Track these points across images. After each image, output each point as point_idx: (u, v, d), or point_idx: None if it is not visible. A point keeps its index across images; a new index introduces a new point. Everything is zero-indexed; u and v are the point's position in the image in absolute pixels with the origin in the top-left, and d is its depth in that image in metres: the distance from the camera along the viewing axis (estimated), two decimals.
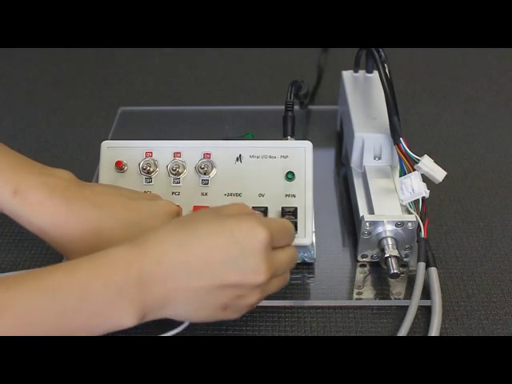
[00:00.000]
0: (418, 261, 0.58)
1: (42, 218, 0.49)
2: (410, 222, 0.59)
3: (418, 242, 0.61)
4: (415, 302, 0.56)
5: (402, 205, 0.61)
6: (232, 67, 0.99)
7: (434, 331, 0.54)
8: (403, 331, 0.54)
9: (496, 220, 0.69)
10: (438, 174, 0.61)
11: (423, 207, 0.60)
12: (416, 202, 0.60)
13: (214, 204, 0.57)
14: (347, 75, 0.78)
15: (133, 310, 0.43)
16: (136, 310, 0.43)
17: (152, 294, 0.43)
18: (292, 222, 0.55)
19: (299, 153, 0.58)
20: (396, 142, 0.62)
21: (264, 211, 0.56)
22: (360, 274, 0.63)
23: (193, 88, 0.94)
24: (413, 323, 0.57)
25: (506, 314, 0.59)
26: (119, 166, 0.58)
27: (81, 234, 0.49)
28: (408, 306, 0.56)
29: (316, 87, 0.89)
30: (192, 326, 0.58)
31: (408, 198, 0.60)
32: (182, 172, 0.58)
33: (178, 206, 0.55)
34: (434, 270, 0.58)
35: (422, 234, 0.60)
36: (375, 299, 0.60)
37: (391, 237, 0.60)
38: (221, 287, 0.44)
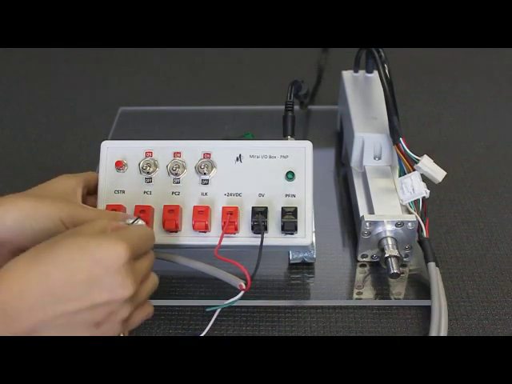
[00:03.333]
0: (427, 261, 0.59)
1: None
2: (410, 221, 0.59)
3: (419, 242, 0.61)
4: (437, 301, 0.56)
5: (402, 205, 0.61)
6: (232, 67, 0.99)
7: (435, 331, 0.54)
8: (434, 331, 0.55)
9: (496, 220, 0.69)
10: (438, 173, 0.61)
11: (423, 207, 0.60)
12: (416, 201, 0.60)
13: (214, 204, 0.57)
14: (347, 75, 0.78)
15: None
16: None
17: (19, 325, 0.42)
18: (292, 222, 0.55)
19: (299, 153, 0.58)
20: (395, 142, 0.62)
21: (264, 211, 0.56)
22: (360, 273, 0.63)
23: (193, 88, 0.94)
24: (413, 323, 0.57)
25: (506, 313, 0.59)
26: (119, 166, 0.58)
27: None
28: (407, 306, 0.56)
29: (316, 87, 0.89)
30: (192, 325, 0.58)
31: (408, 197, 0.60)
32: (181, 172, 0.58)
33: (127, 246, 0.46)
34: (437, 270, 0.58)
35: (424, 234, 0.60)
36: (375, 299, 0.60)
37: (391, 237, 0.60)
38: (91, 307, 0.44)
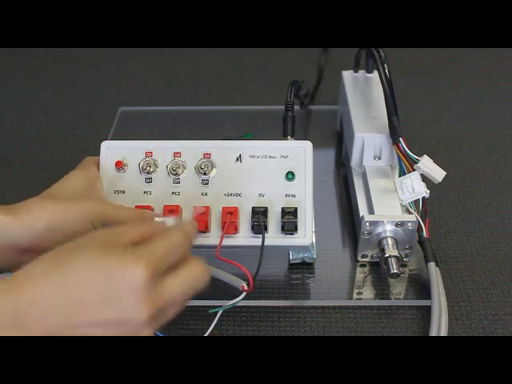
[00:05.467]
0: (427, 261, 0.59)
1: None
2: (410, 221, 0.59)
3: (419, 242, 0.61)
4: (437, 301, 0.56)
5: (402, 205, 0.61)
6: (232, 67, 0.99)
7: (435, 331, 0.54)
8: (434, 331, 0.54)
9: (496, 220, 0.69)
10: (438, 174, 0.61)
11: (423, 207, 0.60)
12: (416, 201, 0.60)
13: (214, 204, 0.57)
14: (347, 75, 0.78)
15: None
16: None
17: (32, 332, 0.42)
18: (292, 222, 0.55)
19: (299, 153, 0.58)
20: (395, 142, 0.62)
21: (264, 211, 0.56)
22: (360, 273, 0.63)
23: (193, 88, 0.94)
24: (413, 323, 0.57)
25: (506, 314, 0.59)
26: (119, 166, 0.58)
27: None
28: (407, 306, 0.56)
29: (316, 87, 0.89)
30: (192, 326, 0.58)
31: (408, 197, 0.60)
32: (182, 172, 0.58)
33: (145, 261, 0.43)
34: (437, 270, 0.58)
35: (424, 234, 0.60)
36: (375, 299, 0.60)
37: (391, 237, 0.60)
38: (102, 325, 0.42)
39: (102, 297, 0.42)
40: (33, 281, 0.42)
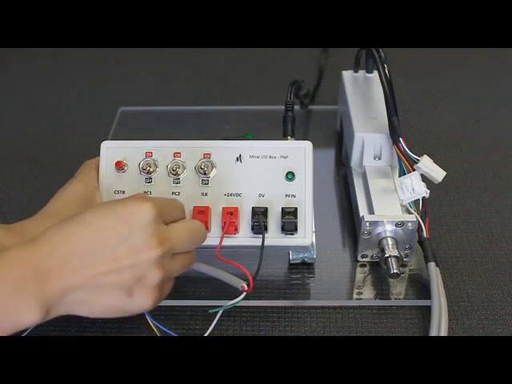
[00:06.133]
0: (427, 261, 0.58)
1: None
2: (410, 221, 0.59)
3: (419, 242, 0.61)
4: (437, 301, 0.56)
5: (402, 205, 0.61)
6: (232, 67, 0.99)
7: (435, 331, 0.54)
8: (434, 331, 0.54)
9: (496, 220, 0.69)
10: (438, 174, 0.61)
11: (423, 207, 0.60)
12: (416, 201, 0.60)
13: (214, 204, 0.57)
14: (347, 75, 0.78)
15: (33, 305, 0.43)
16: (36, 304, 0.43)
17: (50, 285, 0.43)
18: (292, 222, 0.55)
19: (299, 153, 0.58)
20: (395, 142, 0.62)
21: (264, 212, 0.56)
22: (360, 273, 0.63)
23: (193, 88, 0.94)
24: (413, 323, 0.57)
25: (506, 314, 0.59)
26: (119, 166, 0.58)
27: None
28: (407, 306, 0.56)
29: (316, 87, 0.89)
30: (192, 326, 0.58)
31: (408, 197, 0.60)
32: (181, 172, 0.58)
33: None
34: (437, 270, 0.58)
35: (424, 234, 0.60)
36: (375, 299, 0.60)
37: (391, 237, 0.60)
38: (117, 269, 0.45)
39: (116, 236, 0.45)
40: (48, 235, 0.45)
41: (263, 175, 0.58)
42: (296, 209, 0.56)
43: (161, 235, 0.46)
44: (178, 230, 0.48)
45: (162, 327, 0.53)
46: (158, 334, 0.53)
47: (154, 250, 0.45)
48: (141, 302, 0.46)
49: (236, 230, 0.56)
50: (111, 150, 0.59)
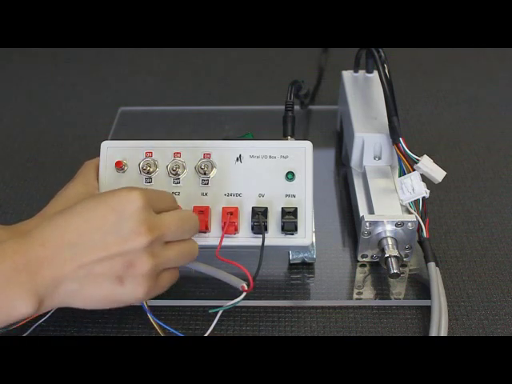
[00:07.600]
0: (427, 261, 0.58)
1: None
2: (410, 221, 0.59)
3: (419, 242, 0.61)
4: (437, 301, 0.56)
5: (402, 205, 0.61)
6: (232, 67, 0.99)
7: (435, 331, 0.54)
8: (434, 331, 0.54)
9: (496, 220, 0.69)
10: (438, 173, 0.61)
11: (423, 207, 0.60)
12: (416, 201, 0.60)
13: (214, 204, 0.57)
14: (347, 75, 0.78)
15: (26, 296, 0.43)
16: (29, 296, 0.43)
17: (42, 276, 0.44)
18: (292, 222, 0.55)
19: (299, 153, 0.58)
20: (395, 142, 0.62)
21: (264, 212, 0.56)
22: (360, 273, 0.63)
23: (193, 88, 0.94)
24: (413, 323, 0.57)
25: (506, 314, 0.59)
26: (119, 166, 0.58)
27: None
28: (407, 306, 0.56)
29: (316, 87, 0.89)
30: (192, 326, 0.58)
31: (408, 197, 0.60)
32: (181, 172, 0.58)
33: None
34: (437, 270, 0.58)
35: (424, 234, 0.60)
36: (375, 299, 0.60)
37: (391, 237, 0.60)
38: (107, 258, 0.45)
39: (104, 225, 0.45)
40: (41, 228, 0.45)
41: (263, 175, 0.58)
42: (296, 209, 0.56)
43: (150, 223, 0.46)
44: (168, 217, 0.49)
45: (168, 327, 0.53)
46: (162, 334, 0.53)
47: (143, 236, 0.45)
48: (132, 290, 0.46)
49: (236, 230, 0.56)
50: (111, 150, 0.59)
